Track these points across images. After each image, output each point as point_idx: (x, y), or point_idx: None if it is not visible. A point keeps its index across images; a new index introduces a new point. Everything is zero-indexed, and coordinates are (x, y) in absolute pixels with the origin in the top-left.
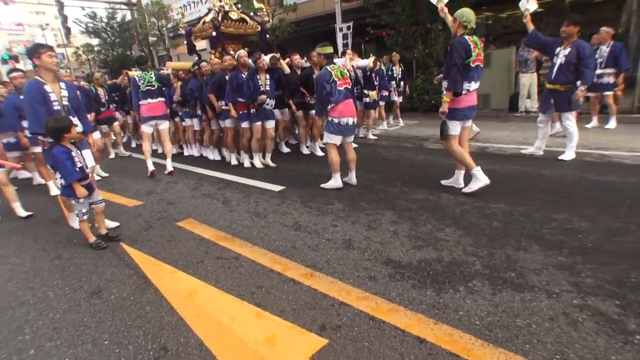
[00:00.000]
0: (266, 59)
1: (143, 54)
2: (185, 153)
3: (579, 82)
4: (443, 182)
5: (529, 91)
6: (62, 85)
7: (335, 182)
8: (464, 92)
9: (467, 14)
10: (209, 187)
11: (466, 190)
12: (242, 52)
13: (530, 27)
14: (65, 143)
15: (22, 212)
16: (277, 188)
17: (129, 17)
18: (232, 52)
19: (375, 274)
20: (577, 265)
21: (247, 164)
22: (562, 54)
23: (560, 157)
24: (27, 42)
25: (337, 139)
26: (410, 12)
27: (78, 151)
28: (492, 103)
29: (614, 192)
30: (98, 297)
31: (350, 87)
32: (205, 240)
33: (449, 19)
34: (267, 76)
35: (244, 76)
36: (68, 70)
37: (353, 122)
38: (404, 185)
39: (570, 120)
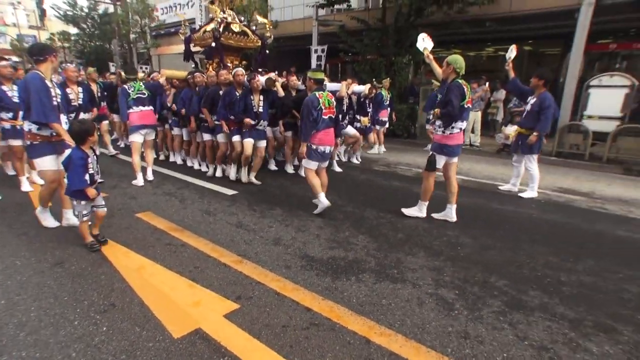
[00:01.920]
0: (262, 79)
1: (141, 65)
2: (171, 159)
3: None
4: (435, 215)
5: (473, 127)
6: (53, 83)
7: (322, 202)
8: (456, 131)
9: (460, 61)
10: (170, 187)
11: (406, 212)
12: (240, 71)
13: (512, 74)
14: (85, 147)
15: None
16: (230, 192)
17: (111, 9)
18: (229, 65)
19: (291, 264)
20: (445, 268)
21: (232, 176)
22: (530, 102)
23: (520, 194)
24: None
25: (314, 165)
26: (377, 44)
27: (94, 156)
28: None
29: (501, 217)
30: (60, 266)
31: (333, 117)
32: (159, 230)
33: (434, 65)
34: (261, 97)
35: (237, 94)
36: (74, 65)
37: (330, 150)
38: (339, 198)
39: (532, 162)
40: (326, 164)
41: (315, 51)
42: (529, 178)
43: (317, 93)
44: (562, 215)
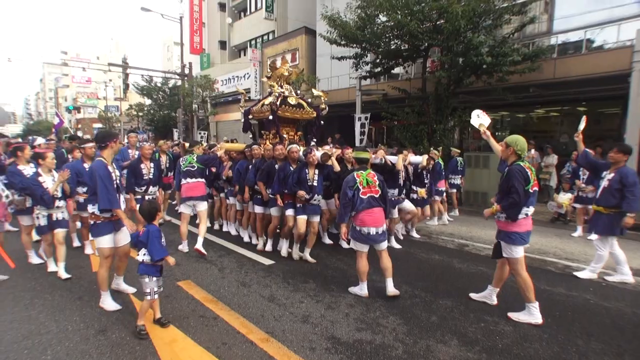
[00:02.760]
0: (317, 154)
1: (200, 131)
2: (224, 229)
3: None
4: (473, 295)
5: None
6: (114, 166)
7: (361, 290)
8: (522, 216)
9: (521, 142)
10: (212, 254)
11: (514, 317)
12: (295, 147)
13: (582, 147)
14: (155, 222)
15: (64, 274)
16: (267, 262)
17: (180, 83)
18: (285, 136)
19: (316, 346)
20: None
21: (284, 252)
22: (607, 177)
23: (576, 273)
24: (90, 94)
25: (361, 247)
26: (417, 111)
27: (161, 232)
28: (489, 203)
29: (550, 301)
30: (103, 334)
31: (377, 196)
32: (195, 301)
33: (492, 142)
34: (316, 171)
35: (291, 169)
36: (149, 143)
37: (377, 232)
38: (374, 273)
39: (604, 243)
40: (382, 246)
41: (359, 119)
42: (595, 257)
43: (356, 172)
44: (630, 303)
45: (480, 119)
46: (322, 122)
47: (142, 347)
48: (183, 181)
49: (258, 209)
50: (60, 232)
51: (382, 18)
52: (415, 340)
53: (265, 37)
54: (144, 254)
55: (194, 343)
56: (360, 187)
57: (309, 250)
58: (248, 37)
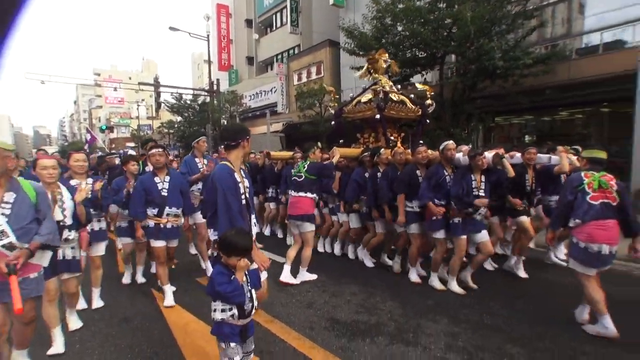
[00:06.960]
0: (488, 156)
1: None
2: (320, 249)
3: None
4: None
5: None
6: (242, 173)
7: (606, 326)
8: None
9: None
10: None
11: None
12: (452, 144)
13: None
14: (231, 262)
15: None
16: (283, 260)
17: (208, 99)
18: (391, 138)
19: (315, 326)
20: (462, 334)
21: (437, 284)
22: None
23: None
24: (123, 114)
25: (587, 269)
26: (435, 117)
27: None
28: None
29: (539, 287)
30: (127, 322)
31: (613, 204)
32: None
33: None
34: (483, 177)
35: (446, 172)
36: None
37: (611, 251)
38: (381, 267)
39: None
40: (606, 268)
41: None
42: None
43: (584, 171)
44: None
45: None
46: (427, 120)
47: (159, 330)
48: (290, 193)
49: (414, 229)
50: (69, 280)
51: (399, 28)
52: (408, 320)
53: (292, 51)
54: (220, 309)
55: (205, 325)
56: (589, 190)
57: (470, 274)
58: (274, 51)
